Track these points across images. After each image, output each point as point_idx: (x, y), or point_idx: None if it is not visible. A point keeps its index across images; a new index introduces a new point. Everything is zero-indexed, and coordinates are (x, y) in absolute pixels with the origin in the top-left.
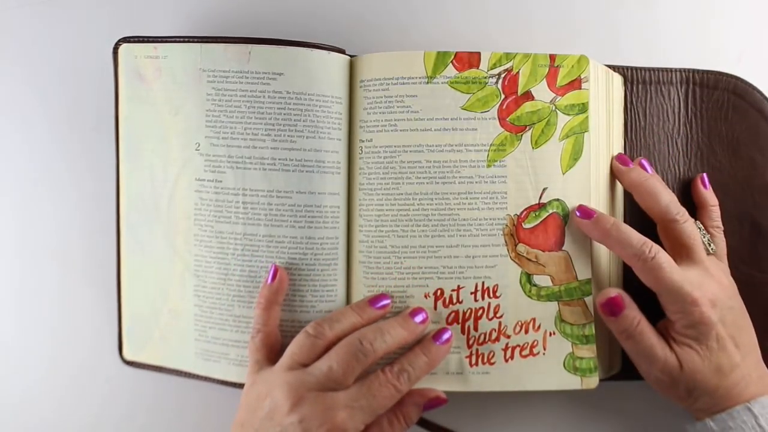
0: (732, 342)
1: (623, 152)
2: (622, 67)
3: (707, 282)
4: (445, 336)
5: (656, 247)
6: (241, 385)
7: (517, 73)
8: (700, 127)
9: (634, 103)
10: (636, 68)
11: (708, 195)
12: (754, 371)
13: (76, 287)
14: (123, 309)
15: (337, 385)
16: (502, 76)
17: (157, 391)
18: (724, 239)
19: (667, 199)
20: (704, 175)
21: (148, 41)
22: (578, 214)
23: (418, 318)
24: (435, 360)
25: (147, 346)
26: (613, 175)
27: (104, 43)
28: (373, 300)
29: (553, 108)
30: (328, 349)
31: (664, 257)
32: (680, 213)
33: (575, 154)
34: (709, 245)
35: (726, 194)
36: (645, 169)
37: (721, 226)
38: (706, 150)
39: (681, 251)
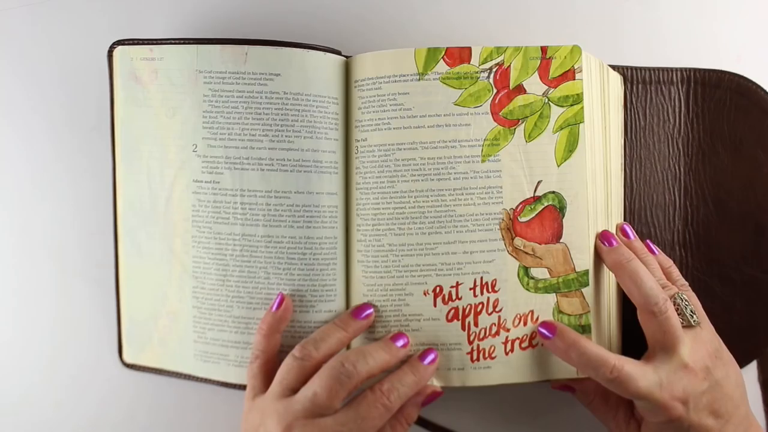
0: (710, 417)
1: (623, 151)
2: (622, 67)
3: (679, 376)
4: (431, 357)
5: (618, 363)
6: (240, 386)
7: (509, 66)
8: (701, 126)
9: (634, 102)
10: (636, 68)
11: (661, 259)
12: (738, 429)
13: (75, 288)
14: (122, 312)
15: (325, 410)
16: (494, 70)
17: (157, 393)
18: (694, 294)
19: (647, 287)
20: (647, 241)
21: (144, 43)
22: (541, 330)
23: (400, 342)
24: (422, 379)
25: (146, 348)
26: (609, 168)
27: (103, 42)
28: (356, 311)
29: (546, 100)
30: (316, 369)
31: (628, 370)
32: (659, 305)
33: (570, 146)
34: (692, 317)
35: (729, 194)
36: (626, 235)
37: (686, 282)
38: (708, 150)
39: (656, 342)
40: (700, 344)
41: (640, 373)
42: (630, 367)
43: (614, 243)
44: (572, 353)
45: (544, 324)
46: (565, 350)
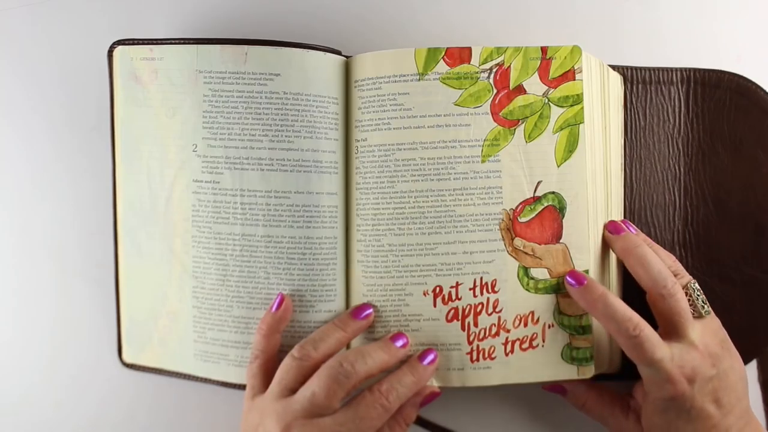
0: (713, 405)
1: (623, 151)
2: (622, 67)
3: (690, 356)
4: (430, 357)
5: (641, 323)
6: (240, 386)
7: (509, 66)
8: (701, 126)
9: (634, 102)
10: (636, 68)
11: (664, 257)
12: (735, 424)
13: (75, 288)
14: (121, 312)
15: (323, 410)
16: (494, 70)
17: (157, 392)
18: (700, 289)
19: (656, 270)
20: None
21: (144, 43)
22: (569, 279)
23: (399, 342)
24: (422, 380)
25: (146, 348)
26: (609, 168)
27: (103, 42)
28: (356, 312)
29: (546, 101)
30: (315, 369)
31: (648, 334)
32: (667, 286)
33: (570, 146)
34: (703, 308)
35: (729, 194)
36: (629, 230)
37: (691, 277)
38: (708, 150)
39: (667, 325)
40: (710, 332)
41: (656, 341)
42: (649, 331)
43: (622, 231)
44: (599, 305)
45: (574, 274)
46: (593, 301)
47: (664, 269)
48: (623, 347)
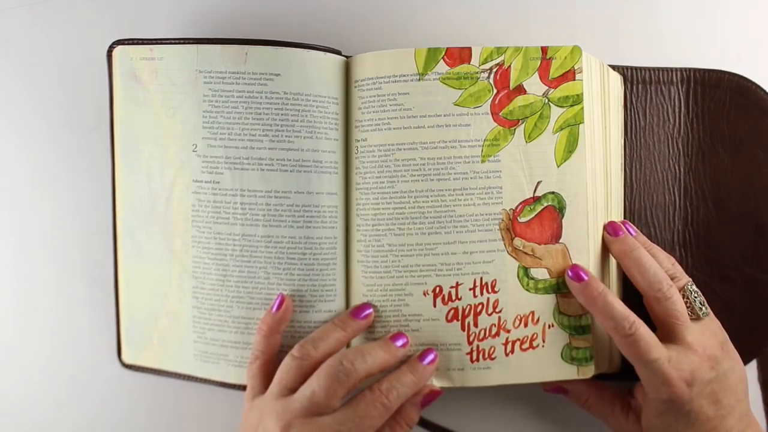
0: (713, 407)
1: (623, 151)
2: (622, 67)
3: (688, 358)
4: (430, 357)
5: (637, 322)
6: (240, 386)
7: (509, 67)
8: (701, 126)
9: (634, 102)
10: (636, 68)
11: (663, 259)
12: (735, 426)
13: (75, 288)
14: (121, 312)
15: (323, 409)
16: (494, 70)
17: (156, 393)
18: (698, 291)
19: (651, 273)
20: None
21: (143, 43)
22: (570, 274)
23: (399, 342)
24: (422, 379)
25: (145, 349)
26: (609, 168)
27: (103, 42)
28: (356, 311)
29: (546, 101)
30: (315, 369)
31: (644, 333)
32: (662, 290)
33: (570, 146)
34: (701, 309)
35: (729, 194)
36: (628, 231)
37: (690, 278)
38: (708, 150)
39: (663, 328)
40: (709, 333)
41: (653, 342)
42: (645, 330)
43: (620, 233)
44: (599, 302)
45: (575, 269)
46: (592, 298)
47: (660, 272)
48: (619, 346)
